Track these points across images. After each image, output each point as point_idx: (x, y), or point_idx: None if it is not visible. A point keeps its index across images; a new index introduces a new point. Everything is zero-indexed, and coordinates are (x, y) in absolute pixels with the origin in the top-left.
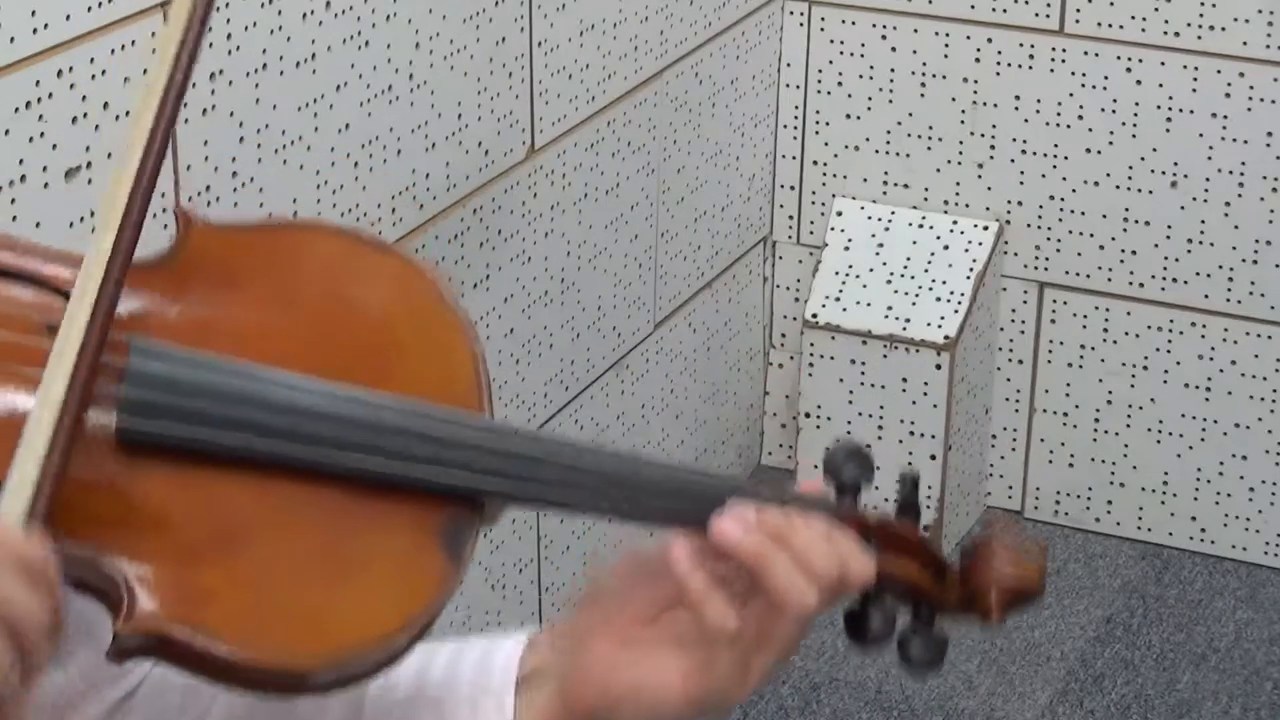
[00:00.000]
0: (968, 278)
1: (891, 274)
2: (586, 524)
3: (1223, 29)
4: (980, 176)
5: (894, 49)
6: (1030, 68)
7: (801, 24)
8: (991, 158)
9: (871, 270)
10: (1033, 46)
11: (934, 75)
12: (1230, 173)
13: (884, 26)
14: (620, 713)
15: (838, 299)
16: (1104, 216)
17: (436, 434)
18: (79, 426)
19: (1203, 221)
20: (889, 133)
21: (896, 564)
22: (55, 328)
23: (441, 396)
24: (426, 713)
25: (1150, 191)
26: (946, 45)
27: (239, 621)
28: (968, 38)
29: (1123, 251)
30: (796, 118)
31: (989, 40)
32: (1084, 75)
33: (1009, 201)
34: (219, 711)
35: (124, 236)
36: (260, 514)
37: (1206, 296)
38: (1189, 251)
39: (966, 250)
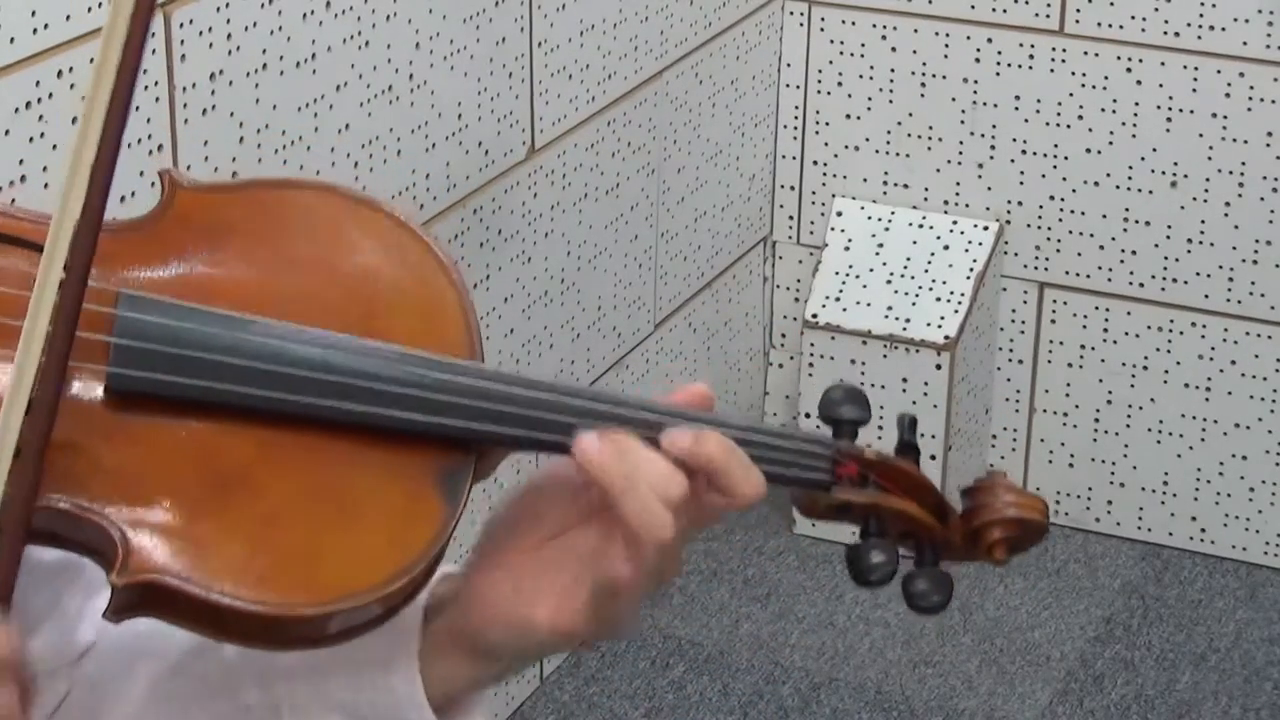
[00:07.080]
0: (968, 278)
1: (891, 274)
2: None
3: (1223, 29)
4: (980, 176)
5: (894, 49)
6: (1030, 68)
7: (801, 24)
8: (991, 158)
9: (871, 270)
10: (1032, 46)
11: (934, 75)
12: (1230, 173)
13: (884, 26)
14: (491, 634)
15: (838, 299)
16: (1104, 216)
17: (428, 379)
18: (65, 384)
19: (1203, 221)
20: (889, 133)
21: (897, 503)
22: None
23: (433, 345)
24: (343, 652)
25: (1150, 191)
26: (946, 45)
27: (236, 569)
28: (968, 38)
29: (1123, 251)
30: (796, 118)
31: (989, 40)
32: (1084, 75)
33: (1009, 201)
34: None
35: (94, 191)
36: (254, 462)
37: (1206, 296)
38: (1189, 251)
39: (966, 250)
